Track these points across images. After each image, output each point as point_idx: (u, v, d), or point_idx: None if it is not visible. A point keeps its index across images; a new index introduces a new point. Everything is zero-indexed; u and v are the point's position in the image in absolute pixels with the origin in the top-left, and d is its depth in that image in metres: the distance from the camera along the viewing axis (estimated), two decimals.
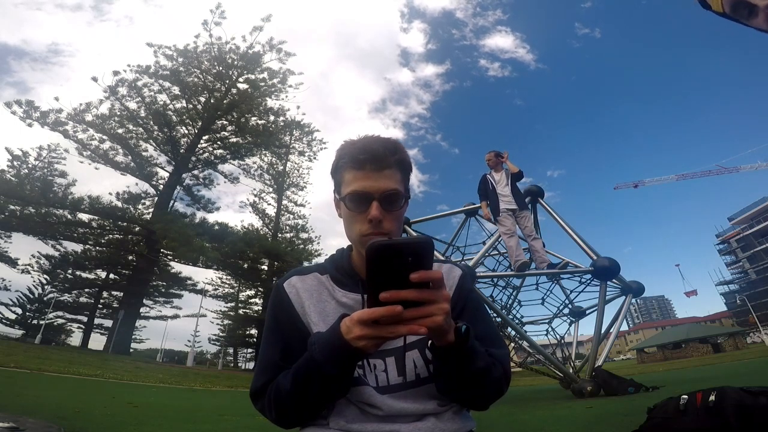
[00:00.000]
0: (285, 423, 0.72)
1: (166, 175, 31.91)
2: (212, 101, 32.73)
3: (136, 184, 31.25)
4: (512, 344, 8.47)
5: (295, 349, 0.72)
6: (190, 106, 32.55)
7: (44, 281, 32.75)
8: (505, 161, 6.08)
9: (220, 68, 32.56)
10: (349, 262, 0.80)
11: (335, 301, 0.77)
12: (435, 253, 0.55)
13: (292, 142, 39.19)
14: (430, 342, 0.63)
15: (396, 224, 0.73)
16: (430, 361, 0.73)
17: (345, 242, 0.84)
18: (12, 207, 25.95)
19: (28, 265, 30.61)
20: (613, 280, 6.41)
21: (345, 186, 0.73)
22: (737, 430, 1.59)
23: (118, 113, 29.45)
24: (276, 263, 34.78)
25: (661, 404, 1.95)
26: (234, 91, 33.30)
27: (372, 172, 0.71)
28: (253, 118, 34.70)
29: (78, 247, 30.75)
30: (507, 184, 5.89)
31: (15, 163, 28.10)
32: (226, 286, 38.59)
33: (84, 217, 28.36)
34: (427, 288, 0.53)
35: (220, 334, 41.81)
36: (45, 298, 33.42)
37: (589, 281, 7.01)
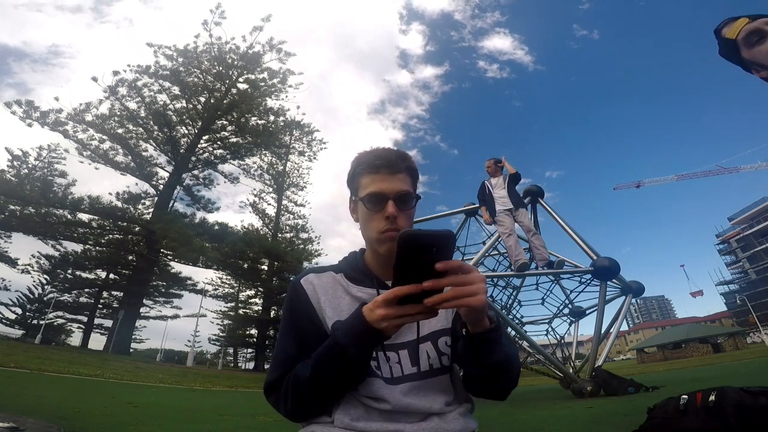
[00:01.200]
0: (299, 413, 0.74)
1: (166, 175, 31.95)
2: (212, 101, 32.71)
3: (136, 184, 31.32)
4: None
5: (310, 344, 0.75)
6: (190, 106, 32.54)
7: (44, 281, 32.77)
8: (503, 164, 6.14)
9: (220, 68, 32.54)
10: (363, 263, 0.85)
11: (349, 297, 0.81)
12: None
13: (292, 142, 39.20)
14: (464, 330, 0.67)
15: (408, 222, 0.79)
16: (442, 352, 0.78)
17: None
18: (12, 207, 25.94)
19: (28, 265, 30.63)
20: (613, 280, 6.41)
21: (362, 189, 0.80)
22: (737, 430, 1.58)
23: (118, 113, 29.45)
24: (276, 263, 34.78)
25: (661, 404, 1.94)
26: (234, 91, 33.28)
27: (386, 175, 0.78)
28: (253, 118, 34.71)
29: (78, 247, 30.79)
30: (503, 187, 5.98)
31: (15, 163, 28.15)
32: (226, 286, 38.54)
33: (84, 217, 28.41)
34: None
35: (220, 334, 41.71)
36: (45, 298, 33.37)
37: (589, 281, 7.02)
